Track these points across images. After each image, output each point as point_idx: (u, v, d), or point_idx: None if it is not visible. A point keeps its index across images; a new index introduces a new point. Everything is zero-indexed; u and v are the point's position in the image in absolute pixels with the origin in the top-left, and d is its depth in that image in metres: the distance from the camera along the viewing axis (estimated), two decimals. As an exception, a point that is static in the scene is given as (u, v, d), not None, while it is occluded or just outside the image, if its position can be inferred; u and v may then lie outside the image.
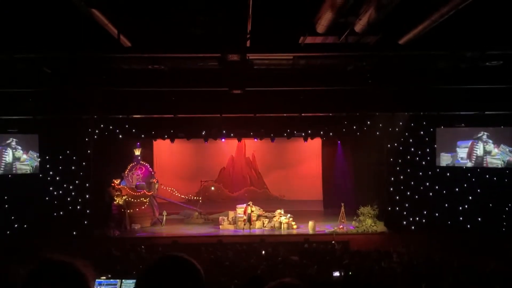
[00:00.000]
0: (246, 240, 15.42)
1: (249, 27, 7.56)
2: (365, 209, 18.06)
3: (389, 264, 10.63)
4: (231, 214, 18.78)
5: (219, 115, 15.20)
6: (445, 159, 17.42)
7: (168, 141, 20.14)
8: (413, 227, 17.71)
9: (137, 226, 18.74)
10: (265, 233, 17.68)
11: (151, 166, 21.07)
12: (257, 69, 10.67)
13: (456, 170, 17.41)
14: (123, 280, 4.87)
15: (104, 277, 4.90)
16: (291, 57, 10.36)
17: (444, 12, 6.40)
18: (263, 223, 18.48)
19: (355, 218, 18.16)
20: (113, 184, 18.60)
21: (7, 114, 14.39)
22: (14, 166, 16.96)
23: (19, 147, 17.01)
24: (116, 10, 6.93)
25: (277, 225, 18.15)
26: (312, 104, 13.97)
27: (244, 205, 18.33)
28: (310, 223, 17.56)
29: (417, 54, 9.86)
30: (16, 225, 16.98)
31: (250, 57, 9.68)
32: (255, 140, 21.02)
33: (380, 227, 17.84)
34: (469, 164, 16.93)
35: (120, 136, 18.66)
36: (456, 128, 17.09)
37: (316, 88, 12.45)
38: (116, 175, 19.07)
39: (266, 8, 6.96)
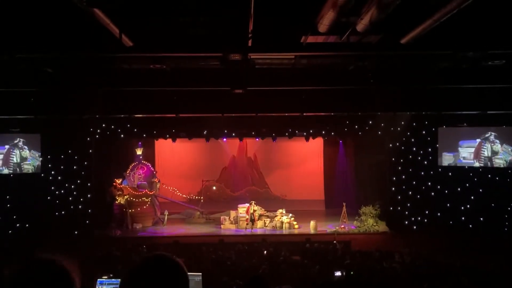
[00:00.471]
0: (247, 240, 15.42)
1: (251, 27, 7.55)
2: (366, 209, 18.05)
3: (391, 264, 10.61)
4: (232, 213, 18.80)
5: (220, 114, 15.20)
6: (447, 159, 17.39)
7: (169, 140, 20.16)
8: (415, 227, 17.70)
9: (138, 226, 18.76)
10: (267, 232, 17.70)
11: (153, 165, 21.09)
12: (259, 68, 10.66)
13: (458, 170, 17.38)
14: (120, 280, 4.85)
15: (106, 277, 4.89)
16: (293, 57, 10.34)
17: (446, 11, 6.39)
18: (265, 223, 18.49)
19: (356, 218, 18.15)
20: (114, 184, 18.63)
21: (9, 114, 14.41)
22: (22, 166, 17.00)
23: (26, 147, 17.05)
24: (118, 10, 6.93)
25: (278, 224, 18.15)
26: (313, 103, 13.94)
27: (246, 205, 18.33)
28: (312, 223, 17.56)
29: (419, 53, 9.84)
30: (17, 225, 17.00)
31: (252, 57, 9.66)
32: (257, 139, 21.02)
33: (381, 227, 17.84)
34: (477, 164, 16.89)
35: (122, 135, 18.67)
36: (458, 128, 17.08)
37: (317, 87, 12.43)
38: (117, 175, 19.10)
39: (267, 7, 6.95)
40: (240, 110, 14.40)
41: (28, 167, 17.22)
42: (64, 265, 1.68)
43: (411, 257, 11.68)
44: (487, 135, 16.62)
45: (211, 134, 18.99)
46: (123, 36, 7.66)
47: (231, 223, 18.54)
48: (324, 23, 6.92)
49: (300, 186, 22.77)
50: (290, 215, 18.38)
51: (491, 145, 16.60)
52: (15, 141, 16.88)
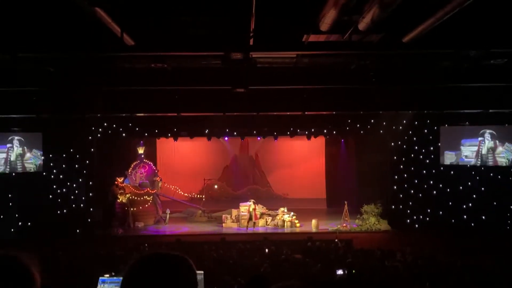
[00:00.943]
0: (249, 239, 15.43)
1: (252, 26, 7.55)
2: (368, 208, 18.04)
3: (393, 263, 10.61)
4: (234, 212, 18.80)
5: (222, 113, 15.21)
6: (449, 158, 17.37)
7: (171, 139, 20.18)
8: (416, 226, 17.69)
9: (140, 224, 18.79)
10: (268, 231, 17.72)
11: (155, 164, 21.12)
12: (260, 67, 10.65)
13: (460, 169, 17.36)
14: (122, 278, 4.85)
15: (108, 275, 4.90)
16: (295, 56, 10.33)
17: (448, 10, 6.37)
18: (266, 221, 18.50)
19: (358, 216, 18.15)
20: (116, 183, 18.66)
21: (11, 113, 14.44)
22: (17, 165, 17.01)
23: (19, 146, 17.02)
24: (120, 9, 6.93)
25: (280, 223, 18.16)
26: (315, 102, 13.94)
27: (248, 204, 18.36)
28: (314, 222, 17.56)
29: (421, 52, 9.82)
30: (20, 223, 17.04)
31: (253, 56, 9.65)
32: (258, 138, 21.03)
33: (383, 225, 17.83)
34: (478, 163, 16.90)
35: (124, 134, 18.69)
36: (460, 127, 17.05)
37: (319, 86, 12.43)
38: (119, 174, 19.12)
39: (269, 6, 6.95)
40: (241, 109, 14.41)
41: (28, 166, 17.26)
42: (23, 260, 1.66)
43: (412, 256, 11.68)
44: (482, 132, 16.66)
45: (212, 133, 19.00)
46: (124, 35, 7.66)
47: (233, 221, 18.55)
48: (326, 22, 6.91)
49: (302, 185, 22.79)
50: (292, 213, 18.38)
51: (487, 143, 16.64)
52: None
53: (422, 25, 7.20)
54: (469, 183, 17.35)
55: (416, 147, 17.97)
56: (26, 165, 17.17)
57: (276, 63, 11.04)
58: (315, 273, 9.62)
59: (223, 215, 19.06)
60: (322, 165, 23.37)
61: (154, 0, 7.06)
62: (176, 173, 22.50)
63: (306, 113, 15.52)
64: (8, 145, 16.89)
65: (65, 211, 17.61)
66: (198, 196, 21.49)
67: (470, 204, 17.27)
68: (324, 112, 16.39)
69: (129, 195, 18.67)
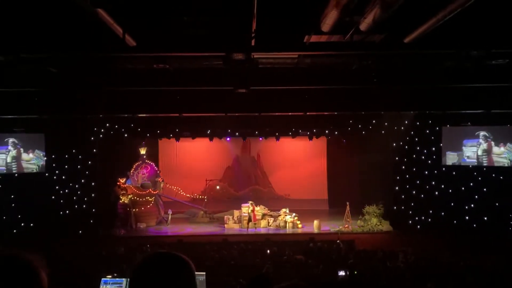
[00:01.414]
0: (251, 239, 15.44)
1: (254, 26, 7.55)
2: (370, 208, 18.03)
3: (395, 264, 10.61)
4: (236, 213, 18.81)
5: (224, 114, 15.21)
6: (451, 158, 17.35)
7: (173, 140, 20.20)
8: (418, 227, 17.67)
9: (142, 225, 18.80)
10: (270, 232, 17.72)
11: (157, 165, 21.13)
12: (262, 68, 10.64)
13: (462, 169, 17.34)
14: (128, 279, 4.87)
15: (110, 276, 4.92)
16: (296, 56, 10.33)
17: (450, 10, 6.37)
18: (268, 222, 18.50)
19: (360, 217, 18.13)
20: (118, 183, 18.68)
21: (13, 114, 14.47)
22: (13, 166, 16.97)
23: (19, 147, 17.02)
24: (121, 10, 6.94)
25: (282, 224, 18.16)
26: (317, 103, 13.93)
27: (246, 205, 18.37)
28: (315, 222, 17.56)
29: (423, 52, 9.82)
30: (22, 224, 17.08)
31: (255, 56, 9.66)
32: (260, 139, 21.02)
33: (385, 226, 17.81)
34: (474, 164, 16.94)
35: (126, 135, 18.73)
36: (462, 127, 17.03)
37: (321, 87, 12.42)
38: (121, 174, 19.14)
39: (271, 7, 6.95)
40: (243, 110, 14.41)
41: (31, 167, 17.28)
42: (29, 260, 1.67)
43: (414, 257, 11.67)
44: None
45: (214, 133, 19.01)
46: (126, 36, 7.68)
47: (235, 222, 18.55)
48: (328, 23, 6.91)
49: (304, 186, 22.76)
50: (294, 214, 18.37)
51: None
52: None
53: (424, 25, 7.19)
54: (471, 184, 17.32)
55: (418, 148, 17.95)
56: (24, 165, 17.16)
57: (278, 64, 11.04)
58: (317, 274, 9.62)
59: (225, 216, 19.07)
60: (324, 166, 23.36)
61: (156, 1, 7.07)
62: (178, 173, 22.50)
63: (307, 113, 15.52)
64: (5, 146, 16.87)
65: (67, 211, 17.65)
66: (200, 197, 21.49)
67: (472, 205, 17.25)
68: (326, 113, 16.38)
69: (131, 196, 18.69)
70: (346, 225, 17.75)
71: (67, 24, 7.71)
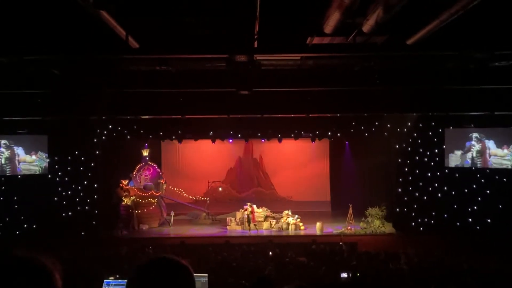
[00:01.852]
0: (253, 241, 15.42)
1: (257, 28, 7.56)
2: (373, 210, 18.00)
3: (397, 266, 10.58)
4: (238, 214, 18.81)
5: (226, 116, 15.21)
6: (454, 160, 17.31)
7: (175, 141, 20.25)
8: (421, 228, 17.62)
9: (145, 227, 18.82)
10: (273, 234, 17.70)
11: (159, 166, 21.16)
12: (265, 69, 10.65)
13: (465, 171, 17.29)
14: (126, 284, 4.85)
15: (112, 277, 4.91)
16: (299, 58, 10.33)
17: (453, 12, 6.36)
18: (271, 224, 18.48)
19: (363, 219, 18.10)
20: (121, 185, 18.71)
21: (16, 115, 14.51)
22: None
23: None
24: (124, 12, 6.96)
25: (284, 226, 18.14)
26: (319, 104, 13.93)
27: (245, 207, 18.37)
28: (318, 224, 17.54)
29: (426, 54, 9.81)
30: (25, 225, 17.12)
31: (258, 58, 9.66)
32: (263, 140, 21.04)
33: (388, 228, 17.78)
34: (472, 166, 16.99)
35: (128, 137, 18.76)
36: (465, 129, 16.99)
37: (323, 88, 12.41)
38: (124, 176, 19.17)
39: (273, 8, 6.96)
40: (246, 111, 14.42)
41: (34, 168, 17.32)
42: (44, 262, 1.68)
43: (417, 259, 11.64)
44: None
45: (217, 135, 19.04)
46: (129, 38, 7.69)
47: (237, 224, 18.54)
48: (330, 24, 6.91)
49: (306, 187, 22.76)
50: (296, 216, 18.36)
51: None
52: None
53: (426, 27, 7.19)
54: (474, 186, 17.28)
55: (421, 150, 17.91)
56: (27, 167, 17.19)
57: (280, 65, 11.05)
58: (319, 276, 9.60)
59: (227, 218, 19.07)
60: (326, 168, 23.35)
61: (159, 3, 7.08)
62: (180, 175, 22.53)
63: (310, 115, 15.50)
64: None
65: (70, 213, 17.67)
66: (203, 198, 21.50)
67: (475, 207, 17.19)
68: (328, 114, 16.37)
69: (133, 197, 18.71)
70: (349, 227, 17.72)
71: (71, 26, 7.73)
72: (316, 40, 8.28)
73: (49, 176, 17.67)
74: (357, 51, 8.79)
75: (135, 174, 19.95)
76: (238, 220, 18.64)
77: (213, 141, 19.55)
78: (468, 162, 17.06)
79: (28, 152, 17.24)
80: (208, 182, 21.81)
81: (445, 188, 17.66)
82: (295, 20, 7.68)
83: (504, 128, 16.33)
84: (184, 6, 7.07)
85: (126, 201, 18.57)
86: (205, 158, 22.87)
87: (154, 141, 21.21)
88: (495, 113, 14.61)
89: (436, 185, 17.75)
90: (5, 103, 12.92)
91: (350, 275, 9.06)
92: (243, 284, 8.19)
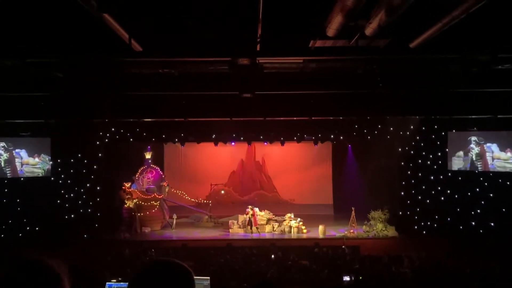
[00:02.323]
0: (256, 244, 15.40)
1: (259, 31, 7.57)
2: (376, 214, 17.94)
3: (400, 269, 10.54)
4: (241, 218, 18.77)
5: (229, 118, 15.23)
6: (457, 163, 17.26)
7: (178, 144, 20.24)
8: (424, 232, 17.56)
9: (147, 230, 18.81)
10: (275, 237, 17.66)
11: (162, 169, 21.16)
12: (267, 72, 10.66)
13: (468, 174, 17.24)
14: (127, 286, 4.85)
15: (115, 280, 4.91)
16: (301, 61, 10.34)
17: (455, 15, 6.36)
18: (273, 227, 18.45)
19: (365, 222, 18.05)
20: (123, 188, 18.71)
21: (19, 118, 14.55)
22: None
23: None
24: (128, 15, 6.99)
25: (287, 229, 18.11)
26: (322, 107, 13.93)
27: (247, 210, 18.34)
28: (320, 227, 17.50)
29: (428, 57, 9.80)
30: (28, 228, 17.14)
31: (260, 61, 9.68)
32: (265, 143, 21.00)
33: (391, 231, 17.72)
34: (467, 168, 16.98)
35: (131, 139, 18.76)
36: (468, 132, 16.95)
37: (326, 91, 12.42)
38: (126, 179, 19.18)
39: (276, 12, 6.97)
40: (248, 114, 14.43)
41: (36, 171, 17.35)
42: (52, 265, 1.69)
43: (420, 262, 11.60)
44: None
45: (219, 138, 19.03)
46: (132, 41, 7.72)
47: (239, 227, 18.52)
48: (333, 27, 6.92)
49: (309, 191, 22.72)
50: (299, 219, 18.31)
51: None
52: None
53: (429, 30, 7.19)
54: (477, 189, 17.22)
55: (424, 153, 17.87)
56: (30, 169, 17.20)
57: (283, 69, 11.05)
58: (322, 279, 9.58)
59: (230, 221, 19.03)
60: (329, 171, 23.31)
61: (162, 7, 7.11)
62: (183, 178, 22.52)
63: (313, 118, 15.50)
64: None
65: (72, 215, 17.69)
66: (205, 201, 21.49)
67: (479, 210, 17.13)
68: (331, 117, 16.36)
69: (136, 200, 18.71)
70: (352, 230, 17.67)
71: (74, 29, 7.76)
72: (319, 43, 8.29)
73: (52, 178, 17.69)
74: (359, 54, 8.81)
75: (138, 176, 19.96)
76: (240, 223, 18.61)
77: (216, 144, 19.55)
78: (469, 166, 17.01)
79: (31, 154, 17.27)
80: (211, 185, 21.81)
81: (448, 191, 17.61)
82: (298, 23, 7.69)
83: (507, 132, 16.27)
84: (187, 10, 7.09)
85: (129, 203, 18.58)
86: (208, 161, 22.87)
87: (157, 144, 21.22)
88: (498, 116, 14.58)
89: (439, 188, 17.70)
90: (8, 105, 12.97)
91: (353, 278, 9.03)
92: (245, 287, 8.17)
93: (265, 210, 19.07)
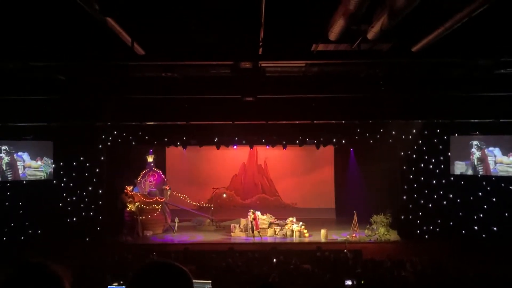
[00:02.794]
0: (257, 248, 15.38)
1: (261, 35, 7.58)
2: (378, 218, 17.91)
3: (402, 274, 10.51)
4: (242, 221, 18.76)
5: (231, 122, 15.23)
6: (459, 167, 17.22)
7: (180, 148, 20.27)
8: (426, 236, 17.52)
9: (149, 233, 18.81)
10: (277, 241, 17.64)
11: (164, 173, 21.18)
12: (269, 76, 10.67)
13: (470, 179, 17.19)
14: None
15: (116, 283, 4.92)
16: (303, 65, 10.35)
17: (458, 19, 6.36)
18: (275, 231, 18.43)
19: (368, 226, 18.02)
20: (125, 191, 18.73)
21: (22, 121, 14.58)
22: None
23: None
24: (130, 19, 7.01)
25: (289, 233, 18.08)
26: (324, 111, 13.92)
27: (248, 214, 18.32)
28: (322, 231, 17.47)
29: (431, 61, 9.79)
30: (30, 231, 17.15)
31: (263, 65, 9.69)
32: (267, 147, 21.01)
33: (393, 235, 17.68)
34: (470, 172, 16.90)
35: (133, 143, 18.79)
36: (470, 136, 16.92)
37: (328, 95, 12.42)
38: (129, 182, 19.20)
39: (278, 15, 6.98)
40: (250, 118, 14.43)
41: (39, 174, 17.37)
42: (55, 269, 1.70)
43: (422, 266, 11.57)
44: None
45: (221, 141, 19.04)
46: (135, 44, 7.74)
47: (241, 231, 18.50)
48: (335, 31, 6.92)
49: (311, 194, 22.70)
50: (301, 223, 18.29)
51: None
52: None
53: (432, 34, 7.18)
54: (480, 193, 17.18)
55: (426, 157, 17.84)
56: (32, 172, 17.20)
57: (285, 72, 11.07)
58: (324, 284, 9.56)
59: (232, 224, 19.02)
60: (331, 175, 23.29)
61: (164, 10, 7.12)
62: (185, 181, 22.52)
63: (315, 122, 15.49)
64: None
65: (74, 219, 17.70)
66: (207, 205, 21.49)
67: (481, 215, 17.08)
68: (333, 121, 16.34)
69: (138, 203, 18.72)
70: (354, 234, 17.64)
71: (77, 33, 7.79)
72: (321, 47, 8.30)
73: (54, 181, 17.71)
74: (362, 58, 8.80)
75: (140, 180, 19.97)
76: (242, 227, 18.59)
77: (218, 148, 19.55)
78: (471, 170, 16.98)
79: (33, 157, 17.28)
80: (213, 188, 21.81)
81: (450, 195, 17.57)
82: (300, 27, 7.70)
83: (510, 136, 16.23)
84: (190, 13, 7.11)
85: (131, 207, 18.58)
86: (210, 164, 22.87)
87: (159, 147, 21.24)
88: (501, 120, 14.55)
89: (441, 192, 17.66)
90: (10, 109, 12.99)
91: (355, 282, 9.00)
92: (247, 291, 8.16)
93: (267, 214, 19.05)
